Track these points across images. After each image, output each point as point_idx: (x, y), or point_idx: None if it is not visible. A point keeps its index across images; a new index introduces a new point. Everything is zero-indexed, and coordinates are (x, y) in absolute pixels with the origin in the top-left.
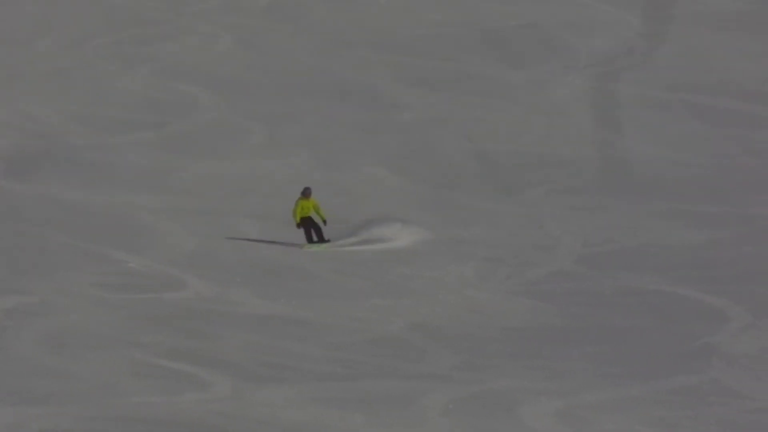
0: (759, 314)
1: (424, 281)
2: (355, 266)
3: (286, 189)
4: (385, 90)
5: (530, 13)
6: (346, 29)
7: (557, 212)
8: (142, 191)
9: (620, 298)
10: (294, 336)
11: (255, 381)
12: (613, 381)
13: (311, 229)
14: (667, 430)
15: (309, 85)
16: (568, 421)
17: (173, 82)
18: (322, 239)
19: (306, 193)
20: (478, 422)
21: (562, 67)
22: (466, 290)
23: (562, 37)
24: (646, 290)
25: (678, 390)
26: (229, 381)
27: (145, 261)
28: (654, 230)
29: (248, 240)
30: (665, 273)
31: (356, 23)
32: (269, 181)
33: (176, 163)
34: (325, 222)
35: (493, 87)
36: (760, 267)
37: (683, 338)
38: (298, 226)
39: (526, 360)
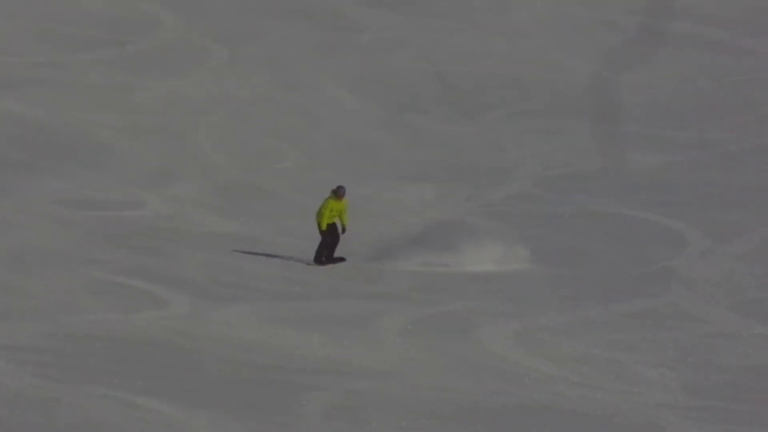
0: (717, 239)
1: (384, 202)
2: (315, 186)
3: (247, 109)
4: (345, 10)
5: None
6: None
7: (517, 135)
8: (102, 110)
9: (579, 220)
10: (251, 255)
11: (212, 300)
12: (570, 303)
13: (329, 244)
14: (623, 353)
15: (269, 5)
16: (525, 343)
17: (134, 1)
18: (333, 258)
19: (339, 193)
20: (435, 343)
21: None
22: (426, 212)
23: None
24: (604, 213)
25: (636, 313)
26: (186, 299)
27: (104, 179)
28: (613, 154)
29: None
30: (624, 196)
31: None
32: (230, 101)
33: (137, 82)
34: (344, 230)
35: (453, 9)
36: (719, 191)
37: (641, 262)
38: (323, 233)
39: (483, 282)
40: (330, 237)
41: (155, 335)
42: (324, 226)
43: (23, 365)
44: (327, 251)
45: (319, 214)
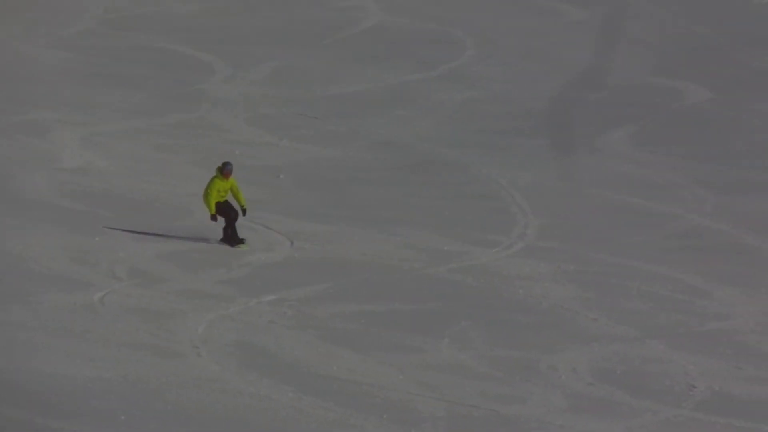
0: (238, 68)
1: None
2: None
3: None
4: None
5: None
6: None
7: None
8: None
9: (133, 53)
10: None
11: None
12: (123, 115)
13: (231, 223)
14: (168, 154)
15: None
16: (88, 145)
17: None
18: (237, 240)
19: (226, 170)
20: None
21: None
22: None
23: None
24: (152, 47)
25: (175, 124)
26: None
27: None
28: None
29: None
30: (166, 34)
31: None
32: None
33: None
34: (244, 211)
35: None
36: (241, 33)
37: (179, 84)
38: (214, 217)
39: (62, 95)
40: (226, 215)
41: None
42: (213, 210)
43: None
44: (231, 229)
45: (207, 196)
